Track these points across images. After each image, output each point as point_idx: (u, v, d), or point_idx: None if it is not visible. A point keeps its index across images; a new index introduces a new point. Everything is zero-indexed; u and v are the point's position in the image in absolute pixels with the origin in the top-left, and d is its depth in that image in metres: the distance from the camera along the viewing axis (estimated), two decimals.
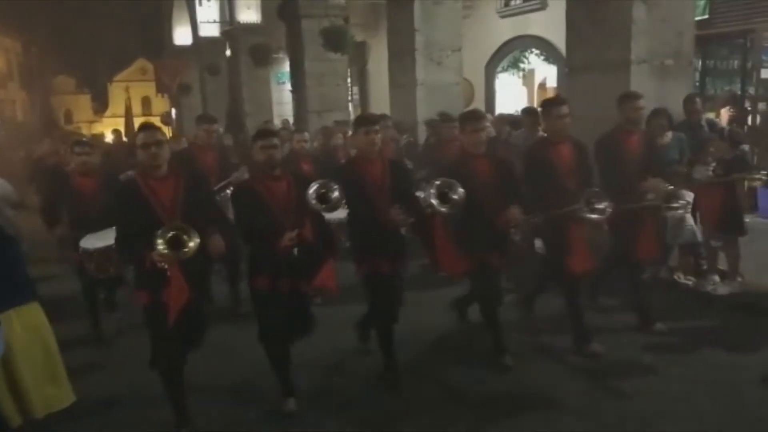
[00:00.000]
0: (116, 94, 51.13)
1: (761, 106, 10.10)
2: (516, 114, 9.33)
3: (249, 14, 18.24)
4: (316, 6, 12.06)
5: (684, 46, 6.40)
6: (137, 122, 16.25)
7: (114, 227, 5.07)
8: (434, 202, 4.31)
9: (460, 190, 4.33)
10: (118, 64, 53.42)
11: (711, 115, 8.07)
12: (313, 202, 4.06)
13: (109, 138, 18.72)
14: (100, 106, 55.39)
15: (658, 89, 6.31)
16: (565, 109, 4.80)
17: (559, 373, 4.62)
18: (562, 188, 4.71)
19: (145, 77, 47.43)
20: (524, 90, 15.86)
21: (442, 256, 4.61)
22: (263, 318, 4.14)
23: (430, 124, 9.23)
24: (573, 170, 4.79)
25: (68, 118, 52.53)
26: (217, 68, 19.73)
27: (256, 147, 4.14)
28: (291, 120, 14.77)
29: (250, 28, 17.99)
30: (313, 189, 4.08)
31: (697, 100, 6.57)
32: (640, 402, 4.11)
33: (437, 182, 4.39)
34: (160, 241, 3.53)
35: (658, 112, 5.89)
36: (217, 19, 20.01)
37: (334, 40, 11.49)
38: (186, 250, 3.60)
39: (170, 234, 3.58)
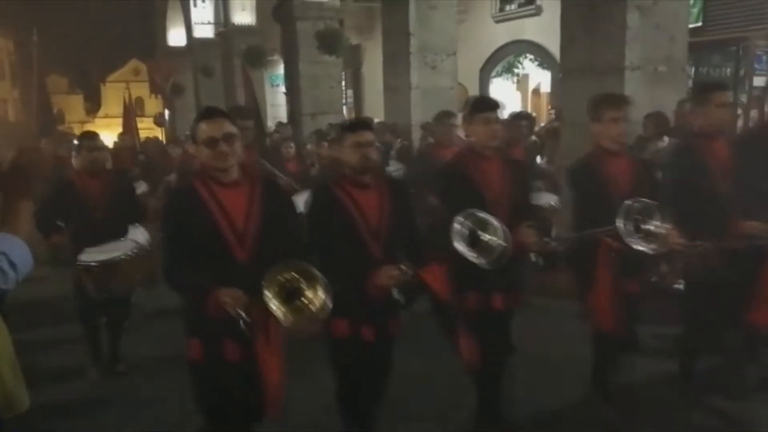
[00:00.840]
0: (109, 94, 50.96)
1: (753, 113, 10.17)
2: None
3: (243, 16, 18.24)
4: (311, 8, 12.06)
5: (677, 52, 6.43)
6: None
7: (123, 238, 4.52)
8: (640, 244, 3.26)
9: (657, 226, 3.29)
10: (111, 65, 53.27)
11: None
12: (460, 246, 3.01)
13: (105, 138, 18.55)
14: (93, 106, 55.16)
15: (650, 95, 6.34)
16: (727, 96, 3.94)
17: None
18: (715, 195, 3.79)
19: (138, 78, 47.33)
20: (518, 95, 15.94)
21: (601, 303, 3.59)
22: (345, 373, 3.19)
23: (425, 127, 9.24)
24: (727, 173, 3.87)
25: (60, 118, 52.30)
26: (211, 70, 19.69)
27: (344, 144, 3.13)
28: (285, 122, 14.77)
29: (244, 29, 18.00)
30: (459, 226, 3.03)
31: (687, 105, 6.59)
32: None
33: (634, 205, 3.28)
34: (269, 292, 2.49)
35: (651, 116, 5.93)
36: (212, 20, 20.00)
37: (329, 42, 11.51)
38: (307, 303, 2.54)
39: (283, 279, 2.53)
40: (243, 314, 2.51)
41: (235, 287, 2.58)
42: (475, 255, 3.03)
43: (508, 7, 14.81)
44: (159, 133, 19.80)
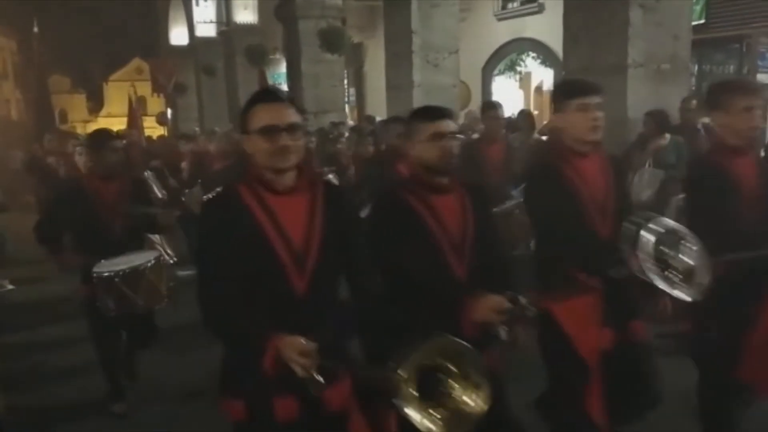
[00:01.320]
0: (112, 93, 51.09)
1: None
2: (513, 117, 9.34)
3: (246, 15, 18.25)
4: (314, 7, 12.06)
5: (680, 50, 6.42)
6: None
7: (142, 251, 4.04)
8: None
9: None
10: (113, 64, 53.39)
11: (707, 120, 8.10)
12: (652, 273, 2.30)
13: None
14: (95, 105, 55.28)
15: (654, 93, 6.33)
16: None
17: None
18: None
19: (141, 77, 47.44)
20: (521, 93, 15.91)
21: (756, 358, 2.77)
22: None
23: None
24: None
25: (63, 117, 52.50)
26: (214, 69, 19.70)
27: (419, 137, 2.46)
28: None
29: (246, 28, 18.00)
30: (650, 245, 2.31)
31: (694, 101, 6.59)
32: None
33: None
34: (405, 381, 1.77)
35: (652, 114, 5.92)
36: (214, 19, 20.01)
37: (332, 41, 11.52)
38: (458, 403, 1.82)
39: (426, 365, 1.82)
40: (320, 378, 1.86)
41: (291, 326, 1.95)
42: (686, 287, 2.28)
43: (510, 5, 14.79)
44: (161, 132, 19.87)
